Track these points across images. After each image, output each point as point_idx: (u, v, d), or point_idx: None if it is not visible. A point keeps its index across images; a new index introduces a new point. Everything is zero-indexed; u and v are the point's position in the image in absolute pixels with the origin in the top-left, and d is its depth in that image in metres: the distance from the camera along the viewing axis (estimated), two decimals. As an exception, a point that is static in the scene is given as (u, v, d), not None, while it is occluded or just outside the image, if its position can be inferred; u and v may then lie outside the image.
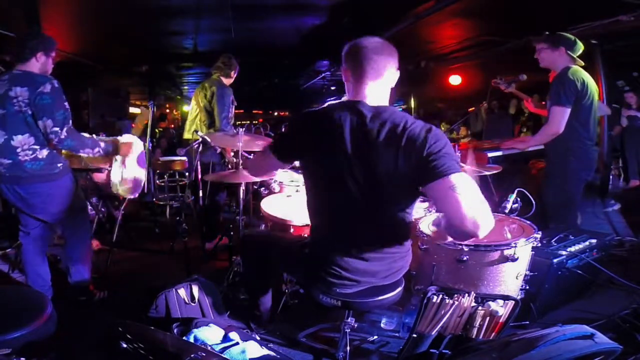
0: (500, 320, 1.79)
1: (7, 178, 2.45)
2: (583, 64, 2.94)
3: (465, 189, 1.47)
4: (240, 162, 2.91)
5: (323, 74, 8.77)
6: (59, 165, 2.54)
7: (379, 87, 1.71)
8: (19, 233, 2.73)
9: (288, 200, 2.90)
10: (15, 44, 2.49)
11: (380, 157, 1.60)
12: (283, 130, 1.86)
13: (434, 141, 1.54)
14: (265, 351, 1.91)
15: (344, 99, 1.82)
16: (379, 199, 1.66)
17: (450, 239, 1.74)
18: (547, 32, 3.03)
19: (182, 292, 2.33)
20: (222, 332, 1.96)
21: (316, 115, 1.75)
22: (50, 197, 2.54)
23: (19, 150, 2.40)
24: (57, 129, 2.40)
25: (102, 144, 2.69)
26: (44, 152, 2.46)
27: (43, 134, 2.42)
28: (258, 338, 2.12)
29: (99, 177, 3.28)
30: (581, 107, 2.85)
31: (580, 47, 2.92)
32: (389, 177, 1.61)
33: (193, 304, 2.34)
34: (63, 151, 2.63)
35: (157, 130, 9.45)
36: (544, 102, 4.81)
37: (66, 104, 2.47)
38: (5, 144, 2.40)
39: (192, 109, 4.15)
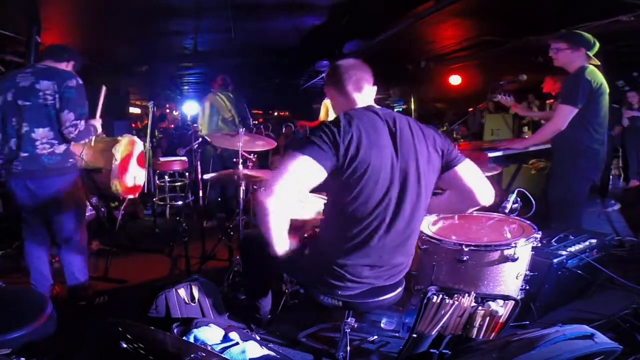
0: (500, 320, 1.79)
1: (20, 173, 2.48)
2: (599, 63, 2.90)
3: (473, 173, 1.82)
4: (240, 161, 2.91)
5: (323, 74, 8.76)
6: (70, 160, 2.59)
7: (364, 97, 1.80)
8: (22, 233, 2.75)
9: (288, 200, 2.89)
10: (53, 46, 2.68)
11: (414, 160, 1.67)
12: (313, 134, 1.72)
13: (441, 135, 1.80)
14: (265, 351, 1.91)
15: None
16: (406, 204, 1.68)
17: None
18: (563, 30, 3.00)
19: (182, 292, 2.32)
20: (222, 332, 1.96)
21: (341, 122, 1.62)
22: (59, 192, 2.56)
23: (37, 143, 2.45)
24: (77, 122, 2.49)
25: (92, 129, 2.74)
26: (62, 148, 2.52)
27: (61, 125, 2.47)
28: (258, 338, 2.12)
29: (99, 177, 3.27)
30: (595, 108, 2.83)
31: (597, 46, 2.88)
32: (421, 178, 1.69)
33: (193, 304, 2.33)
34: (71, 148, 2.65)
35: (156, 131, 9.44)
36: (551, 101, 4.80)
37: (86, 101, 2.58)
38: (26, 136, 2.45)
39: (208, 112, 4.86)
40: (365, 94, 1.81)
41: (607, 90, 2.90)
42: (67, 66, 2.65)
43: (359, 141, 1.59)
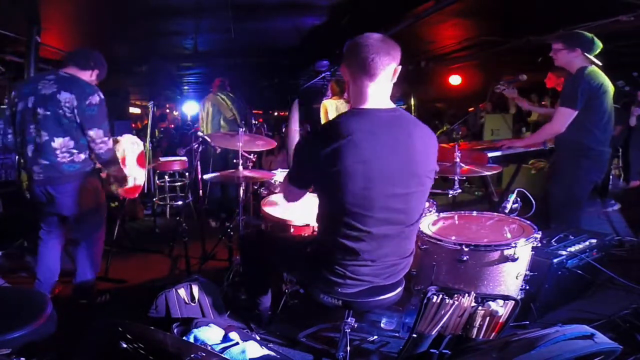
0: (500, 320, 1.79)
1: (41, 180, 2.52)
2: (600, 64, 2.88)
3: None
4: (241, 162, 2.91)
5: (323, 74, 8.74)
6: (91, 164, 2.64)
7: (380, 86, 1.69)
8: (39, 230, 2.78)
9: (288, 200, 2.89)
10: (79, 51, 2.66)
11: (412, 161, 1.65)
12: (295, 159, 1.78)
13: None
14: (265, 351, 1.91)
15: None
16: (404, 202, 1.68)
17: None
18: (562, 30, 2.99)
19: (182, 292, 2.33)
20: (222, 332, 1.96)
21: (328, 130, 1.68)
22: (78, 196, 2.60)
23: (58, 152, 2.48)
24: (106, 138, 2.56)
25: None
26: (82, 156, 2.56)
27: (90, 142, 2.52)
28: (258, 338, 2.13)
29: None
30: (596, 108, 2.81)
31: (598, 46, 2.85)
32: (416, 181, 1.68)
33: (193, 304, 2.34)
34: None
35: (156, 131, 9.44)
36: (544, 102, 4.81)
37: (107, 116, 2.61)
38: (46, 145, 2.46)
39: (211, 112, 4.98)
40: (381, 82, 1.67)
41: (611, 89, 2.88)
42: (91, 75, 2.66)
43: (349, 151, 1.57)
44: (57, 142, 2.46)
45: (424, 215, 2.59)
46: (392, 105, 1.73)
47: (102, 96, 2.55)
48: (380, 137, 1.62)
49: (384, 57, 1.64)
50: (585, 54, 2.83)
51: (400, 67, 1.72)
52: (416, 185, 1.69)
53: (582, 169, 2.92)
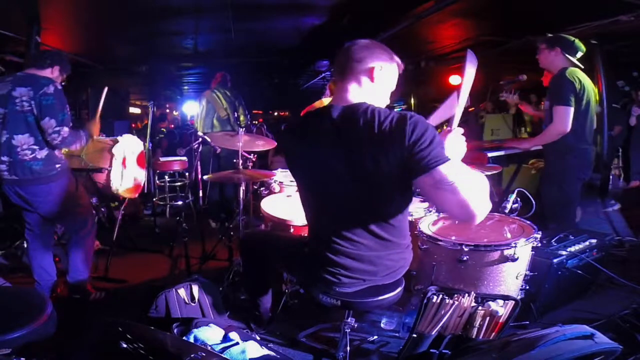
0: (500, 320, 1.79)
1: (9, 180, 2.51)
2: (582, 67, 2.95)
3: (455, 181, 1.37)
4: (240, 162, 2.91)
5: (323, 74, 8.75)
6: (57, 166, 2.58)
7: (360, 86, 1.67)
8: (25, 232, 2.78)
9: (288, 200, 2.90)
10: (36, 53, 2.62)
11: (359, 156, 1.56)
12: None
13: (412, 129, 1.42)
14: (265, 351, 1.91)
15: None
16: (367, 198, 1.64)
17: None
18: (549, 34, 3.05)
19: (182, 292, 2.33)
20: (222, 332, 1.96)
21: (294, 126, 1.88)
22: (49, 197, 2.58)
23: (19, 149, 2.46)
24: (59, 128, 2.47)
25: (83, 134, 2.73)
26: (43, 153, 2.52)
27: (44, 133, 2.47)
28: (258, 338, 2.12)
29: (99, 177, 3.28)
30: (578, 107, 2.87)
31: (580, 49, 2.93)
32: (372, 175, 1.55)
33: (193, 304, 2.34)
34: (63, 151, 2.66)
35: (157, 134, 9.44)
36: (542, 103, 4.83)
37: (67, 106, 2.54)
38: (7, 143, 2.46)
39: (205, 109, 4.96)
40: (359, 83, 1.66)
41: (592, 90, 2.95)
42: (52, 72, 2.62)
43: (294, 150, 1.77)
44: (17, 140, 2.46)
45: (424, 215, 2.59)
46: (362, 100, 1.64)
47: (59, 87, 2.53)
48: (327, 138, 1.62)
49: (358, 57, 1.68)
50: (566, 54, 2.91)
51: (379, 66, 1.66)
52: (372, 184, 1.59)
53: (569, 167, 2.98)
